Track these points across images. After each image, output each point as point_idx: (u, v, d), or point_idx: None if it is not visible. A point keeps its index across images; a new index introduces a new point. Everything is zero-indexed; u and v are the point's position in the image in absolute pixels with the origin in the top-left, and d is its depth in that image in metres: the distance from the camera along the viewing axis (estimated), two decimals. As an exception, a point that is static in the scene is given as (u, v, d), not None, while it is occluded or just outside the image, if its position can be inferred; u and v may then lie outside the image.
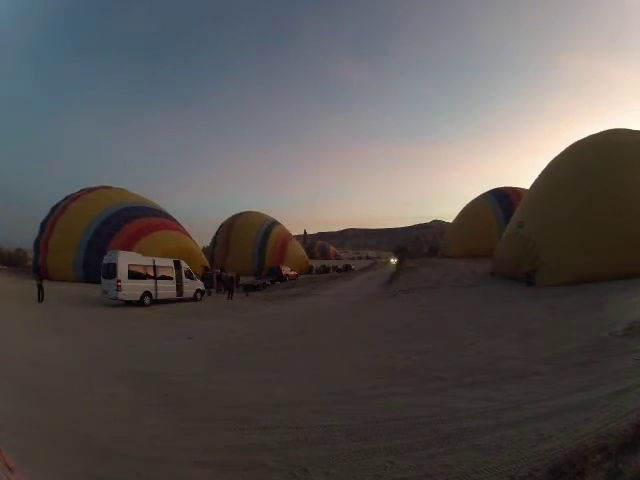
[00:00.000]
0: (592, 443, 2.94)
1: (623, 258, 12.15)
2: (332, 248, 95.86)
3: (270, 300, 18.66)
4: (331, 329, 11.14)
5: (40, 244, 23.15)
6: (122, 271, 14.80)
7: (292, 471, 3.07)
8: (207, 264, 26.75)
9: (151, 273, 16.08)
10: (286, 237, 39.43)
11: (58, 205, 24.31)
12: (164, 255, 18.78)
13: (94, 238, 22.14)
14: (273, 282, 26.63)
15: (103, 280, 15.23)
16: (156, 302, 15.98)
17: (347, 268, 47.37)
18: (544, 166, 18.36)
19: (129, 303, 15.08)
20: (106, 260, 15.51)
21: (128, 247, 20.40)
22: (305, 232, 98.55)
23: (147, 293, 15.71)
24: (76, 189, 25.80)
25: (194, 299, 17.92)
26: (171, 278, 16.95)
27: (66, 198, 24.69)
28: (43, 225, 23.75)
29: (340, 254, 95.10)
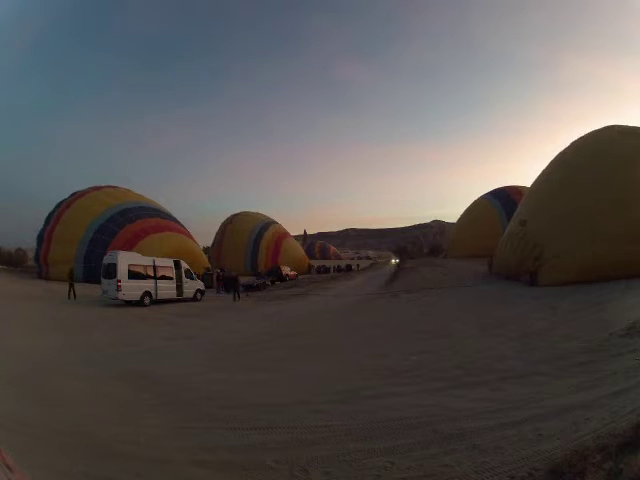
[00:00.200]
0: (592, 443, 2.94)
1: (626, 255, 12.10)
2: (332, 248, 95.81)
3: (270, 300, 18.66)
4: (331, 329, 11.14)
5: (44, 235, 23.30)
6: (122, 271, 14.80)
7: (292, 471, 3.07)
8: (208, 265, 26.76)
9: (151, 273, 16.07)
10: (281, 236, 39.35)
11: (64, 201, 24.53)
12: (165, 256, 18.78)
13: (96, 235, 22.24)
14: (273, 282, 26.62)
15: (103, 280, 15.22)
16: (156, 302, 15.98)
17: (348, 268, 47.40)
18: (544, 167, 18.31)
19: (129, 303, 15.08)
20: (106, 260, 15.50)
21: (129, 247, 20.41)
22: (305, 232, 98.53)
23: (147, 293, 15.70)
24: (77, 187, 26.05)
25: (194, 299, 17.93)
26: (171, 278, 16.95)
27: (73, 194, 24.91)
28: (48, 218, 23.96)
29: (340, 254, 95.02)
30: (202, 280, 19.82)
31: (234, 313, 15.15)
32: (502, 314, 10.59)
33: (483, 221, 30.76)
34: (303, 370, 6.59)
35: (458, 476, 2.89)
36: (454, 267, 23.93)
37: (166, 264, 17.04)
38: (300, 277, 32.80)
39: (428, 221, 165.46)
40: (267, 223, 39.17)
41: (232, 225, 38.24)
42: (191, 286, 17.92)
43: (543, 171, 18.06)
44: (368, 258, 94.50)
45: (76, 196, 24.52)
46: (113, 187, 26.67)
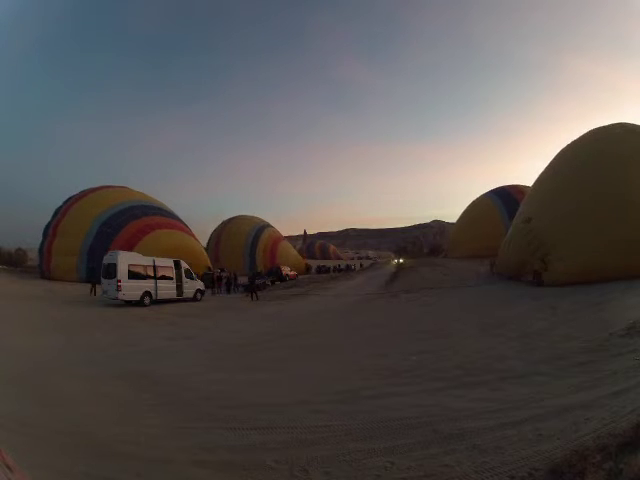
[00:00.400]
0: (592, 443, 2.94)
1: (630, 253, 12.04)
2: (332, 247, 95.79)
3: (270, 300, 18.66)
4: (331, 329, 11.14)
5: (44, 249, 23.17)
6: (122, 271, 14.81)
7: (292, 471, 3.07)
8: (209, 264, 26.72)
9: (151, 273, 16.07)
10: (277, 239, 39.47)
11: (60, 208, 24.37)
12: (166, 254, 18.78)
13: (96, 240, 22.17)
14: (273, 282, 26.63)
15: (103, 280, 15.23)
16: (156, 302, 15.99)
17: (348, 268, 47.42)
18: (543, 166, 18.16)
19: (129, 303, 15.08)
20: (106, 260, 15.51)
21: (129, 246, 20.40)
22: (305, 232, 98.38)
23: (147, 293, 15.71)
24: (77, 187, 26.07)
25: (194, 299, 17.93)
26: (171, 278, 16.95)
27: (68, 200, 24.72)
28: (46, 230, 23.78)
29: (340, 254, 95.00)
30: (202, 280, 19.82)
31: (234, 313, 15.15)
32: (502, 314, 10.60)
33: (485, 220, 30.24)
34: (303, 370, 6.59)
35: (458, 476, 2.89)
36: (454, 267, 23.95)
37: (166, 264, 17.05)
38: (300, 277, 32.84)
39: (428, 221, 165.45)
40: (263, 226, 39.28)
41: (229, 227, 38.35)
42: (191, 286, 17.93)
43: (547, 169, 17.70)
44: (368, 258, 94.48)
45: (72, 202, 24.36)
46: (108, 187, 26.59)
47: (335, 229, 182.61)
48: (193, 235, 28.20)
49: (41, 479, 2.70)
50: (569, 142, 17.60)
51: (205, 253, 28.08)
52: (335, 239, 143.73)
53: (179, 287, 17.27)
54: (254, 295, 18.87)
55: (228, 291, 23.14)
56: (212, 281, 22.52)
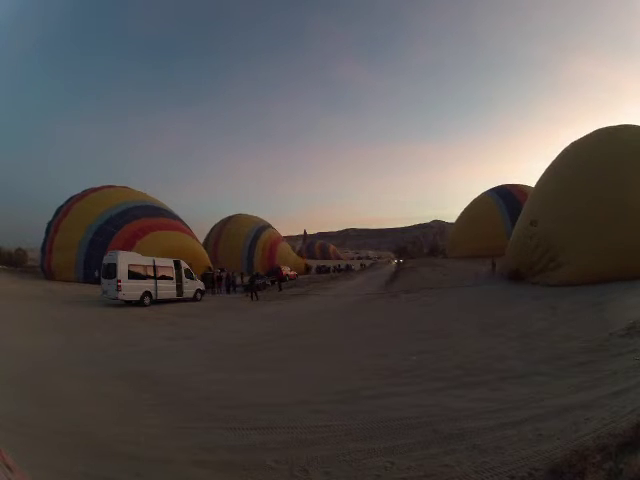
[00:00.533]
0: (592, 443, 2.94)
1: (631, 256, 12.00)
2: (332, 247, 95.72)
3: (270, 300, 18.66)
4: (331, 329, 11.14)
5: (46, 247, 23.20)
6: (122, 271, 14.80)
7: (292, 471, 3.07)
8: (210, 264, 26.69)
9: (151, 273, 16.07)
10: (276, 240, 39.29)
11: (62, 207, 24.38)
12: (166, 255, 18.77)
13: (96, 237, 22.18)
14: (273, 282, 26.59)
15: (103, 280, 15.22)
16: (156, 302, 15.99)
17: (348, 268, 47.49)
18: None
19: (129, 303, 15.08)
20: (106, 260, 15.50)
21: (129, 246, 20.38)
22: (305, 232, 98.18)
23: (147, 293, 15.71)
24: (78, 187, 26.00)
25: (194, 299, 17.93)
26: (171, 278, 16.95)
27: (70, 199, 24.74)
28: (48, 228, 23.82)
29: (340, 254, 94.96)
30: (202, 280, 19.81)
31: (234, 313, 15.15)
32: (502, 314, 10.60)
33: (485, 220, 29.58)
34: (303, 370, 6.59)
35: (458, 476, 2.89)
36: (454, 267, 23.94)
37: (166, 264, 17.04)
38: (300, 277, 32.84)
39: (428, 221, 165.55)
40: (262, 227, 39.10)
41: (228, 226, 38.14)
42: (191, 286, 17.93)
43: (550, 169, 17.43)
44: (368, 258, 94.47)
45: (73, 201, 24.27)
46: (110, 187, 26.45)
47: (335, 229, 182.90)
48: (194, 236, 28.17)
49: (41, 479, 2.70)
50: (572, 142, 17.27)
51: (205, 253, 28.01)
52: (335, 239, 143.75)
53: (179, 287, 17.27)
54: (254, 295, 18.88)
55: (227, 291, 23.15)
56: (212, 281, 22.52)
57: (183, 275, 17.45)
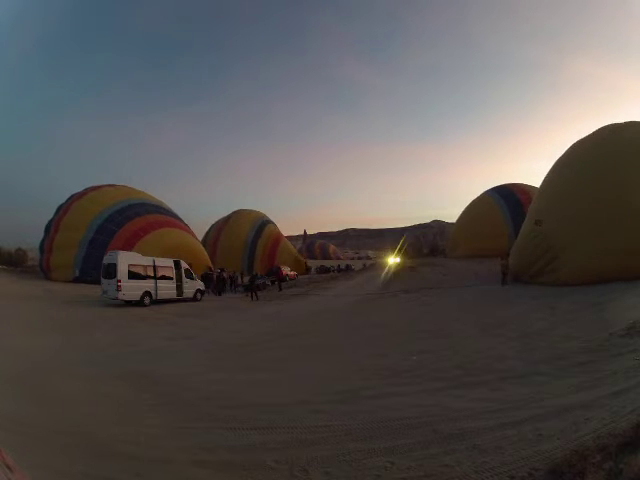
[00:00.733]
0: (592, 443, 2.94)
1: (632, 256, 11.97)
2: (332, 247, 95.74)
3: (270, 300, 18.66)
4: (331, 329, 11.14)
5: (45, 245, 23.14)
6: (122, 271, 14.81)
7: (292, 471, 3.07)
8: (210, 264, 26.66)
9: (151, 273, 16.07)
10: (278, 237, 39.08)
11: (62, 206, 24.37)
12: (166, 253, 18.75)
13: (97, 236, 22.17)
14: (273, 282, 26.58)
15: (103, 280, 15.22)
16: (156, 302, 15.99)
17: (348, 268, 47.49)
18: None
19: (129, 303, 15.08)
20: (106, 260, 15.50)
21: (130, 245, 20.37)
22: (305, 232, 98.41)
23: (147, 293, 15.71)
24: (78, 186, 25.80)
25: (194, 299, 17.94)
26: (171, 278, 16.96)
27: (71, 197, 24.74)
28: (48, 226, 23.76)
29: (340, 254, 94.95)
30: (202, 280, 19.80)
31: (234, 313, 15.15)
32: (502, 314, 10.59)
33: (486, 219, 29.28)
34: (303, 370, 6.59)
35: (458, 476, 2.89)
36: (454, 267, 23.89)
37: (166, 264, 17.05)
38: (300, 277, 32.81)
39: (428, 221, 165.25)
40: (264, 222, 38.77)
41: (229, 224, 37.78)
42: (191, 286, 17.93)
43: (554, 167, 17.12)
44: (368, 258, 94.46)
45: (74, 199, 24.26)
46: (111, 185, 26.43)
47: (335, 229, 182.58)
48: (193, 234, 28.15)
49: (41, 479, 2.70)
50: (577, 140, 16.92)
51: (206, 253, 27.97)
52: (335, 239, 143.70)
53: (179, 287, 17.28)
54: (254, 295, 18.88)
55: (219, 293, 22.90)
56: (219, 281, 22.52)
57: (183, 275, 17.46)
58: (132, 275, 15.15)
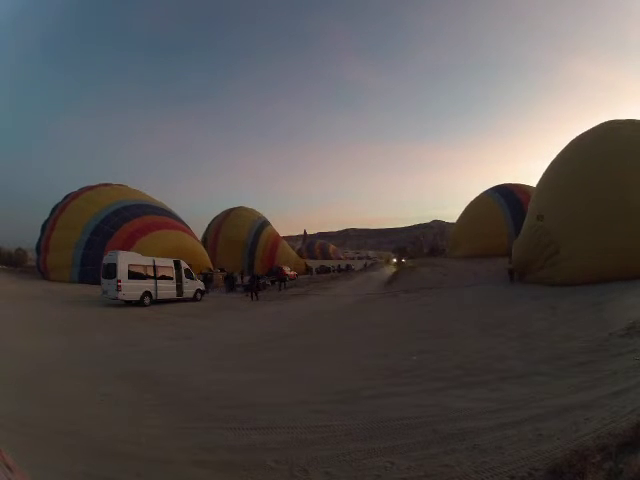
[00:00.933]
0: (592, 443, 2.94)
1: (632, 255, 11.96)
2: (332, 247, 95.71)
3: (270, 300, 18.66)
4: (331, 329, 11.14)
5: (41, 245, 23.05)
6: (122, 271, 14.81)
7: (292, 471, 3.07)
8: (210, 264, 26.60)
9: (151, 273, 16.07)
10: (277, 238, 39.06)
11: (58, 205, 24.25)
12: (165, 255, 18.74)
13: (93, 237, 22.07)
14: (273, 282, 26.58)
15: (103, 280, 15.22)
16: (156, 302, 15.99)
17: (348, 268, 47.54)
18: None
19: (129, 303, 15.09)
20: (106, 260, 15.51)
21: (128, 246, 20.33)
22: (305, 232, 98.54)
23: (147, 293, 15.71)
24: (77, 186, 25.71)
25: (194, 299, 17.94)
26: (171, 278, 16.96)
27: (67, 197, 24.59)
28: (44, 226, 23.64)
29: (340, 254, 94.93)
30: (202, 281, 19.80)
31: (234, 313, 15.15)
32: (502, 314, 10.60)
33: (486, 219, 29.28)
34: (303, 370, 6.59)
35: (458, 476, 2.89)
36: (454, 267, 23.91)
37: (166, 264, 17.05)
38: (300, 277, 32.82)
39: (428, 221, 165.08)
40: (264, 222, 38.70)
41: (228, 223, 37.49)
42: (191, 286, 17.94)
43: (552, 165, 17.20)
44: (368, 258, 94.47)
45: (70, 199, 24.13)
46: (106, 185, 26.24)
47: (335, 229, 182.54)
48: (193, 235, 28.08)
49: (41, 479, 2.70)
50: (576, 136, 16.83)
51: (206, 253, 27.91)
52: (335, 239, 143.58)
53: (179, 287, 17.28)
54: (254, 295, 18.89)
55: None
56: (228, 279, 22.84)
57: (183, 275, 17.46)
58: (132, 275, 15.15)
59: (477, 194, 34.90)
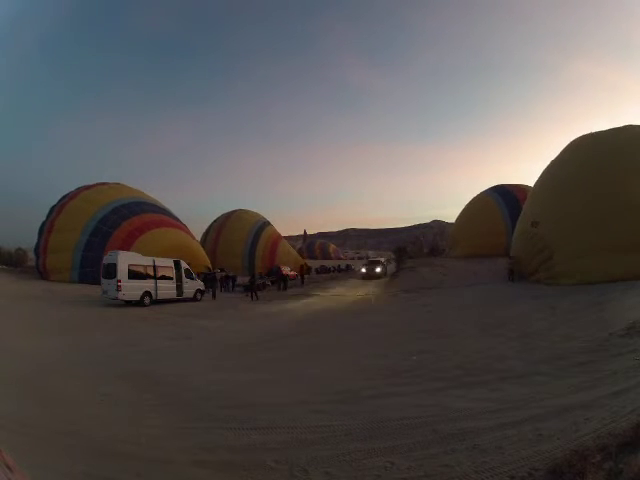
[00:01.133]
0: (592, 443, 2.94)
1: (635, 258, 11.98)
2: (332, 247, 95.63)
3: (270, 300, 18.67)
4: (331, 329, 11.14)
5: (40, 248, 22.93)
6: (122, 271, 14.81)
7: (292, 471, 3.07)
8: (209, 264, 26.60)
9: (151, 273, 16.08)
10: (277, 238, 39.10)
11: (55, 206, 24.11)
12: (165, 253, 18.72)
13: (92, 238, 22.01)
14: (273, 282, 26.57)
15: (103, 280, 15.23)
16: (156, 302, 15.99)
17: (348, 268, 47.62)
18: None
19: (129, 303, 15.09)
20: (106, 260, 15.51)
21: (127, 246, 20.32)
22: (305, 232, 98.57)
23: (147, 293, 15.71)
24: (77, 186, 25.63)
25: (194, 299, 17.94)
26: (171, 278, 16.96)
27: (63, 198, 24.44)
28: (41, 228, 23.50)
29: (340, 254, 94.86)
30: (203, 280, 19.80)
31: (234, 313, 15.15)
32: (502, 314, 10.60)
33: (485, 219, 29.48)
34: (303, 370, 6.59)
35: (458, 476, 2.89)
36: (454, 267, 23.89)
37: (166, 264, 17.06)
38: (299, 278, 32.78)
39: (428, 221, 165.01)
40: (263, 223, 38.76)
41: (229, 224, 37.65)
42: (191, 286, 17.94)
43: (548, 169, 17.35)
44: (368, 258, 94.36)
45: (67, 199, 23.97)
46: (103, 184, 26.06)
47: (335, 229, 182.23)
48: (190, 233, 28.03)
49: (41, 479, 2.70)
50: (571, 141, 17.16)
51: (204, 252, 27.90)
52: (335, 239, 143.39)
53: (179, 287, 17.29)
54: (254, 295, 18.89)
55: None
56: (222, 281, 22.71)
57: (183, 275, 17.47)
58: (132, 275, 15.15)
59: (478, 194, 34.99)
